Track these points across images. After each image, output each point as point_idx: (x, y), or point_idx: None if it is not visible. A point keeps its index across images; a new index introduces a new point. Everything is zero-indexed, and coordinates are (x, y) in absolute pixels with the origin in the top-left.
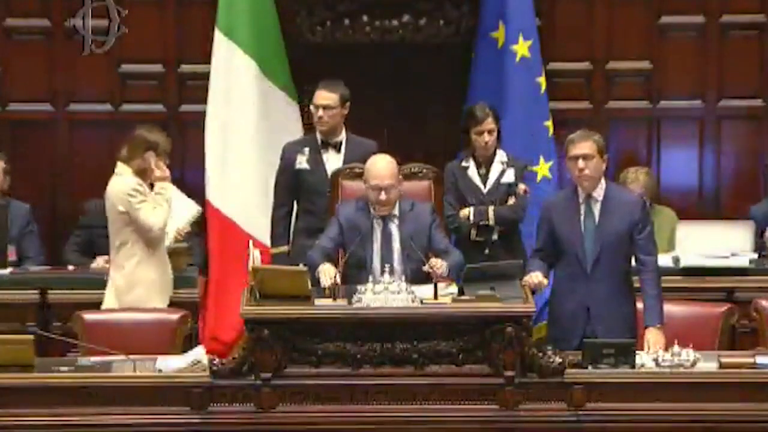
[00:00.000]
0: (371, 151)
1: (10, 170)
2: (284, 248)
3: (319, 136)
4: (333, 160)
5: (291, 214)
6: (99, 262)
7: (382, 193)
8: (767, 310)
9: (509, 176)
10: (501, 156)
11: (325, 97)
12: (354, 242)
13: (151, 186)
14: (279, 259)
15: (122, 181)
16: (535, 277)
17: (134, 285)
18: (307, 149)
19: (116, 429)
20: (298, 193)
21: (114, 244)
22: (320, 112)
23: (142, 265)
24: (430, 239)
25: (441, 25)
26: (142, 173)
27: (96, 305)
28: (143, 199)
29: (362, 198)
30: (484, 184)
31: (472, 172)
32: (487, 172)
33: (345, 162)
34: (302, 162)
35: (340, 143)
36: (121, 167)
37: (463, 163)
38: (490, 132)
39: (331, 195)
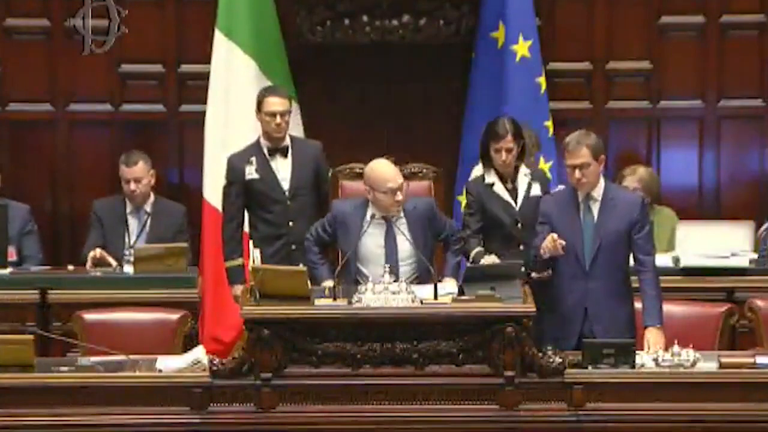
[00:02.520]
0: (318, 150)
1: None
2: (239, 261)
3: (264, 144)
4: (282, 166)
5: (242, 227)
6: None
7: (398, 194)
8: (762, 309)
9: (536, 190)
10: (523, 168)
11: (282, 103)
12: (345, 240)
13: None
14: (234, 272)
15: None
16: (550, 239)
17: None
18: (254, 158)
19: (116, 429)
20: (250, 203)
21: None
22: (278, 119)
23: None
24: (434, 236)
25: (441, 25)
26: None
27: (96, 305)
28: None
29: (362, 198)
30: (515, 200)
31: (499, 188)
32: (514, 186)
33: (294, 165)
34: (251, 172)
35: (287, 148)
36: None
37: (487, 180)
38: (507, 151)
39: (291, 200)
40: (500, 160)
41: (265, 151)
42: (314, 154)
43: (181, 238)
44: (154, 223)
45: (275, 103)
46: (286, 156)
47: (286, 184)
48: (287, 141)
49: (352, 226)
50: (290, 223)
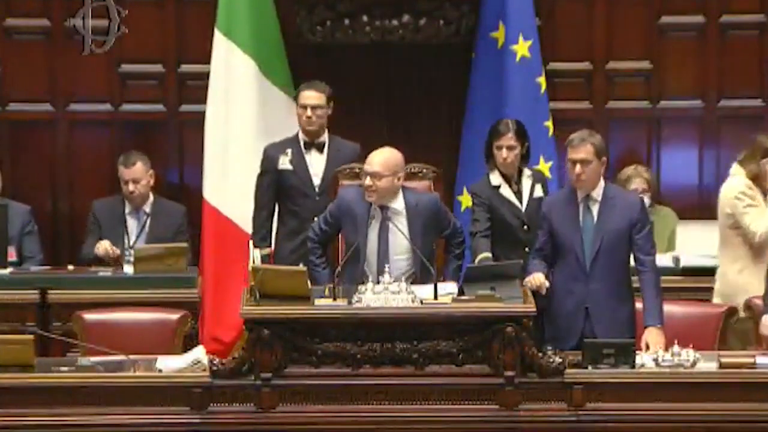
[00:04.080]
0: (356, 152)
1: None
2: (267, 251)
3: (302, 137)
4: (316, 161)
5: (272, 217)
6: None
7: (368, 178)
8: (760, 308)
9: (539, 191)
10: (526, 170)
11: (314, 96)
12: (350, 229)
13: (765, 193)
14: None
15: (732, 183)
16: (537, 279)
17: (737, 292)
18: (290, 150)
19: (116, 429)
20: (279, 194)
21: (719, 249)
22: (309, 112)
23: (745, 272)
24: (437, 232)
25: (441, 25)
26: (755, 179)
27: (96, 305)
28: (750, 204)
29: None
30: (520, 201)
31: (505, 190)
32: (519, 188)
33: (328, 163)
34: (285, 162)
35: (323, 144)
36: (735, 168)
37: (493, 182)
38: (509, 148)
39: (320, 196)
40: (501, 157)
41: (302, 144)
42: (350, 155)
43: (180, 238)
44: (153, 223)
45: (307, 97)
46: (321, 152)
47: (317, 180)
48: (324, 138)
49: (358, 218)
50: (315, 219)
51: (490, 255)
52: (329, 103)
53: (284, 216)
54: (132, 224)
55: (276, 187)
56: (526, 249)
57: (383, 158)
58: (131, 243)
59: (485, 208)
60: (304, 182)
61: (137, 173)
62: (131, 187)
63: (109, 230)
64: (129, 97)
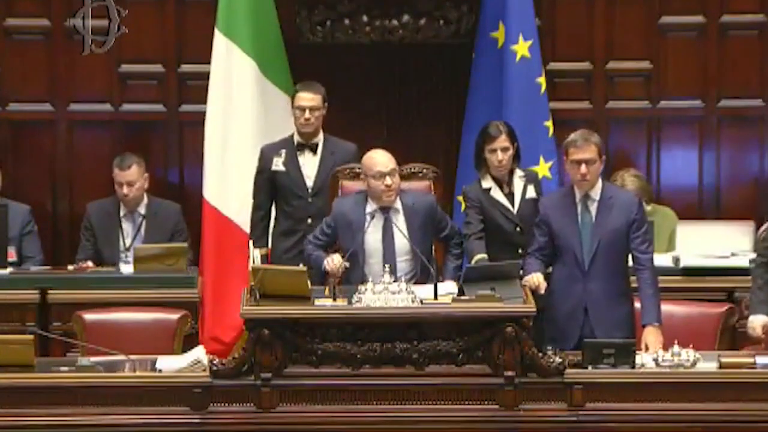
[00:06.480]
0: (351, 152)
1: None
2: (263, 250)
3: (296, 138)
4: (309, 162)
5: (269, 216)
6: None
7: (387, 178)
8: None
9: (531, 192)
10: (518, 171)
11: (311, 98)
12: (347, 237)
13: None
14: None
15: None
16: (536, 278)
17: None
18: (284, 151)
19: (116, 429)
20: (275, 195)
21: None
22: (307, 114)
23: None
24: (435, 233)
25: (441, 25)
26: None
27: (96, 305)
28: None
29: (361, 191)
30: (512, 203)
31: (496, 192)
32: (511, 190)
33: (321, 164)
34: (278, 164)
35: (317, 145)
36: None
37: (484, 185)
38: (503, 150)
39: (313, 198)
40: (496, 160)
41: (295, 145)
42: (346, 156)
43: (179, 237)
44: (149, 225)
45: (304, 98)
46: (315, 153)
47: (309, 181)
48: (319, 138)
49: (354, 222)
50: (309, 220)
51: (485, 256)
52: (324, 104)
53: (279, 216)
54: (127, 226)
55: (271, 187)
56: (519, 251)
57: (389, 156)
58: (127, 245)
59: (477, 210)
60: (297, 184)
61: (132, 176)
62: (125, 190)
63: (104, 233)
64: (129, 97)
